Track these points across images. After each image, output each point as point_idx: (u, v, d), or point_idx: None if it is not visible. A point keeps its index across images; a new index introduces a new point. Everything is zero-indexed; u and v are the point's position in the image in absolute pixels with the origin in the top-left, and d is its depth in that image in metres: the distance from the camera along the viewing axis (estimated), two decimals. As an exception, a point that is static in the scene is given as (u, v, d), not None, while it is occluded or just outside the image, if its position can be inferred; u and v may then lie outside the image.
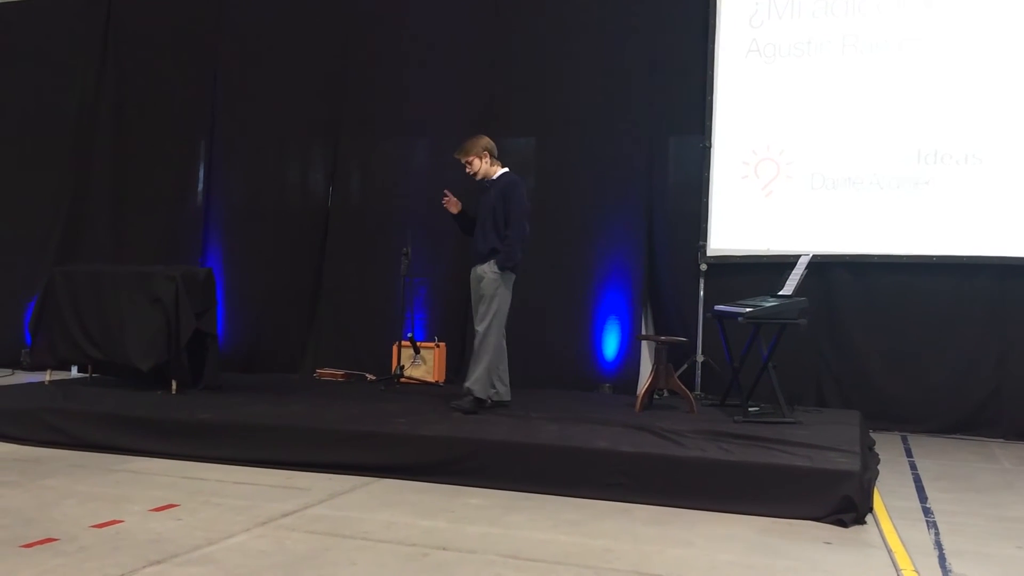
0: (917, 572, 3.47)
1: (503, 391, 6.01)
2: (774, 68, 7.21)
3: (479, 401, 5.79)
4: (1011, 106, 6.67)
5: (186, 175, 8.76)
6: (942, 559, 3.65)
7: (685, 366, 7.15)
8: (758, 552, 3.69)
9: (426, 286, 7.88)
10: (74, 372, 7.50)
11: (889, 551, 3.73)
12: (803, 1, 7.15)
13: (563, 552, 3.58)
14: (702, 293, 7.27)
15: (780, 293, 6.05)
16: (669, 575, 3.35)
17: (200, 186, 8.72)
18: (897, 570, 3.49)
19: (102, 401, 5.86)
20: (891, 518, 4.26)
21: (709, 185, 7.30)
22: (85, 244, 8.84)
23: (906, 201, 6.84)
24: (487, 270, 5.84)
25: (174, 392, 6.33)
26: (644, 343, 7.38)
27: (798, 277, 6.04)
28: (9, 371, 8.28)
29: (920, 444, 6.38)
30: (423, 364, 7.50)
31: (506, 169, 6.03)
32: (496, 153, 6.04)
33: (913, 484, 5.07)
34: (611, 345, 7.47)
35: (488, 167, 5.98)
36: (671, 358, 6.28)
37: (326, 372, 7.85)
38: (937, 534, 4.03)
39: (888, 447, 6.09)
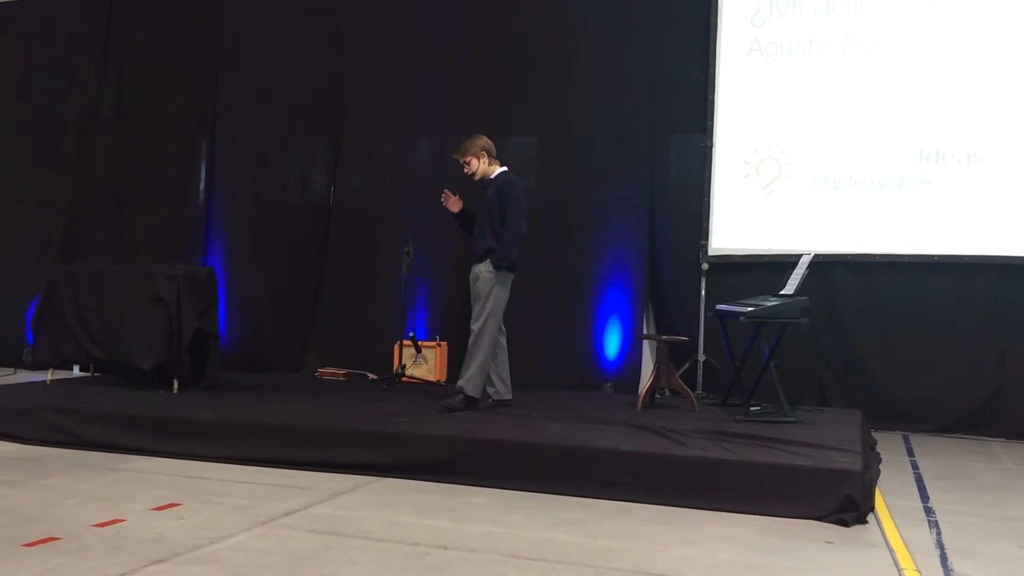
0: (919, 571, 3.46)
1: (503, 390, 6.00)
2: (776, 67, 7.20)
3: (470, 400, 5.79)
4: (1013, 105, 6.66)
5: (187, 174, 8.76)
6: (944, 558, 3.65)
7: (687, 365, 7.15)
8: (760, 551, 3.69)
9: (427, 285, 7.88)
10: (76, 371, 7.51)
11: (891, 550, 3.73)
12: (805, 0, 7.15)
13: (564, 551, 3.58)
14: (704, 292, 7.27)
15: (782, 292, 6.05)
16: (671, 574, 3.35)
17: (201, 185, 8.73)
18: (899, 569, 3.49)
19: (104, 400, 5.87)
20: (893, 517, 4.26)
21: (710, 184, 7.30)
22: (87, 243, 8.84)
23: (908, 200, 6.84)
24: (483, 269, 5.85)
25: (176, 391, 6.33)
26: (646, 342, 7.38)
27: (800, 276, 6.04)
28: (11, 370, 8.29)
29: (921, 443, 6.38)
30: (424, 363, 7.51)
31: (504, 168, 6.03)
32: (494, 153, 6.03)
33: (915, 483, 5.06)
34: (613, 344, 7.47)
35: (486, 167, 5.98)
36: (673, 357, 6.27)
37: (327, 371, 7.86)
38: (939, 533, 4.03)
39: (889, 446, 6.09)
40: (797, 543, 3.83)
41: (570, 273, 7.58)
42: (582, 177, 7.63)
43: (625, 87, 7.55)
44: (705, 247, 7.29)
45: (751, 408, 5.87)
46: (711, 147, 7.31)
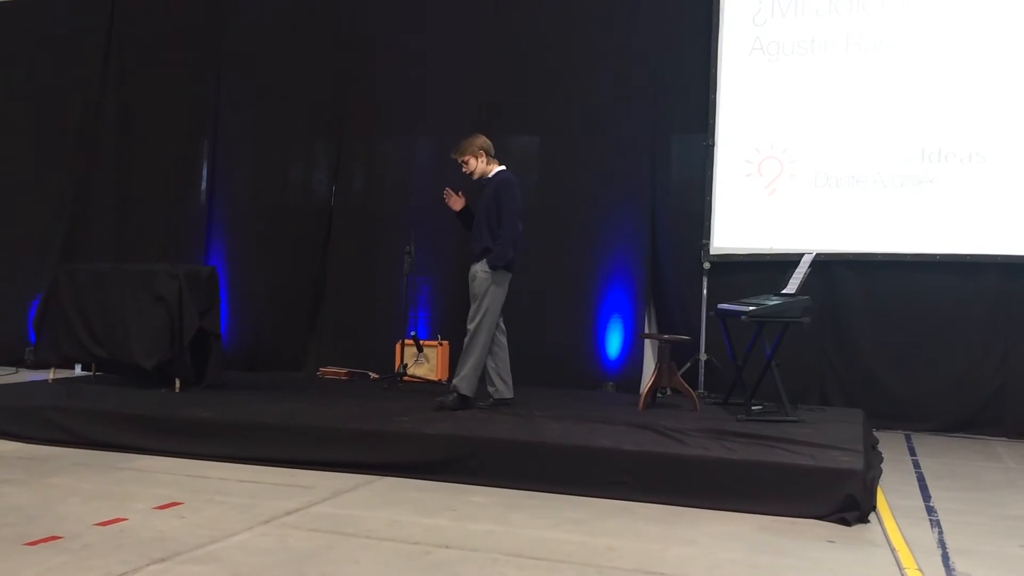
0: (920, 571, 3.46)
1: (504, 389, 6.00)
2: (777, 66, 7.20)
3: (464, 399, 5.80)
4: (1015, 105, 6.66)
5: (189, 174, 8.77)
6: (945, 558, 3.65)
7: (688, 364, 7.15)
8: (761, 550, 3.69)
9: (429, 284, 7.88)
10: (78, 370, 7.52)
11: (892, 550, 3.73)
12: (807, -1, 7.16)
13: (566, 550, 3.59)
14: (705, 291, 7.27)
15: (783, 291, 6.05)
16: (672, 574, 3.35)
17: (203, 185, 8.74)
18: (900, 569, 3.49)
19: (106, 399, 5.87)
20: (894, 517, 4.26)
21: (712, 183, 7.29)
22: (89, 243, 8.85)
23: (909, 199, 6.84)
24: (479, 269, 5.85)
25: (177, 390, 6.34)
26: (647, 341, 7.38)
27: (801, 275, 6.04)
28: (13, 369, 8.29)
29: (923, 443, 6.37)
30: (426, 362, 7.51)
31: (502, 168, 6.02)
32: (492, 152, 6.03)
33: (916, 483, 5.06)
34: (614, 343, 7.47)
35: (484, 166, 5.98)
36: (674, 356, 6.27)
37: (329, 370, 7.86)
38: (940, 533, 4.03)
39: (891, 446, 6.09)
40: (799, 542, 3.83)
41: (571, 272, 7.58)
42: (583, 176, 7.63)
43: (626, 86, 7.55)
44: (707, 246, 7.29)
45: (753, 407, 5.87)
46: (713, 146, 7.30)
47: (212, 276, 6.73)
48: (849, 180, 6.98)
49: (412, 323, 7.57)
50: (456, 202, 6.08)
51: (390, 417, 5.40)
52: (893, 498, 4.62)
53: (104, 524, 3.76)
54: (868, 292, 6.99)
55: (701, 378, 7.21)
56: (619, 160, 7.54)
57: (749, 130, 7.24)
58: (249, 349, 8.27)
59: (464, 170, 6.01)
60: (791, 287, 6.03)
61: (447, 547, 3.59)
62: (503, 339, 6.03)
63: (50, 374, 6.91)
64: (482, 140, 5.99)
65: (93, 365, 7.01)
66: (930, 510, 4.44)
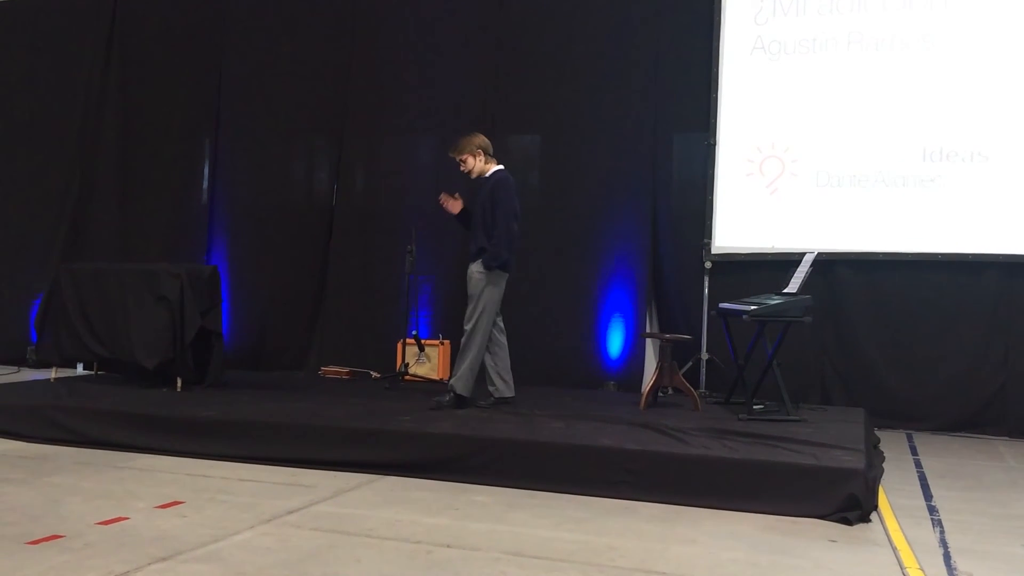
0: (922, 570, 3.46)
1: (504, 388, 6.00)
2: (779, 65, 7.20)
3: (460, 399, 5.80)
4: (1017, 104, 6.65)
5: (191, 173, 8.78)
6: (947, 557, 3.65)
7: (690, 364, 7.15)
8: (762, 550, 3.69)
9: (430, 284, 7.89)
10: (79, 369, 7.53)
11: (894, 549, 3.73)
12: (808, -2, 7.16)
13: (568, 550, 3.59)
14: (707, 291, 7.27)
15: (785, 291, 6.05)
16: (673, 573, 3.35)
17: (205, 184, 8.75)
18: (902, 568, 3.49)
19: (107, 398, 5.88)
20: (896, 516, 4.25)
21: (714, 182, 7.29)
22: (90, 242, 8.86)
23: (911, 199, 6.83)
24: (474, 270, 5.85)
25: (179, 390, 6.35)
26: (649, 341, 7.38)
27: (803, 275, 6.04)
28: (15, 368, 8.31)
29: (925, 442, 6.37)
30: (427, 362, 7.51)
31: (500, 167, 6.01)
32: (491, 151, 6.02)
33: (918, 482, 5.06)
34: (616, 343, 7.47)
35: (482, 164, 5.97)
36: (676, 356, 6.28)
37: (331, 370, 7.86)
38: (942, 532, 4.03)
39: (893, 445, 6.08)
40: (800, 542, 3.83)
41: (573, 271, 7.58)
42: (584, 175, 7.63)
43: (628, 85, 7.55)
44: (708, 245, 7.29)
45: (754, 407, 5.87)
46: (714, 145, 7.30)
47: (214, 275, 6.73)
48: (850, 179, 6.97)
49: (413, 322, 7.57)
50: (454, 205, 6.06)
51: (392, 416, 5.41)
52: (895, 497, 4.62)
53: (106, 523, 3.76)
54: (870, 292, 6.99)
55: (702, 377, 7.21)
56: (620, 159, 7.54)
57: (750, 129, 7.23)
58: (251, 348, 8.28)
59: (462, 169, 6.01)
60: (792, 286, 6.03)
61: (449, 546, 3.59)
62: (502, 338, 6.02)
63: (52, 373, 6.91)
64: (480, 139, 5.99)
65: (95, 364, 7.02)
66: (932, 509, 4.44)
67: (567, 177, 7.72)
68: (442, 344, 7.56)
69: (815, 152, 7.06)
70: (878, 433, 6.29)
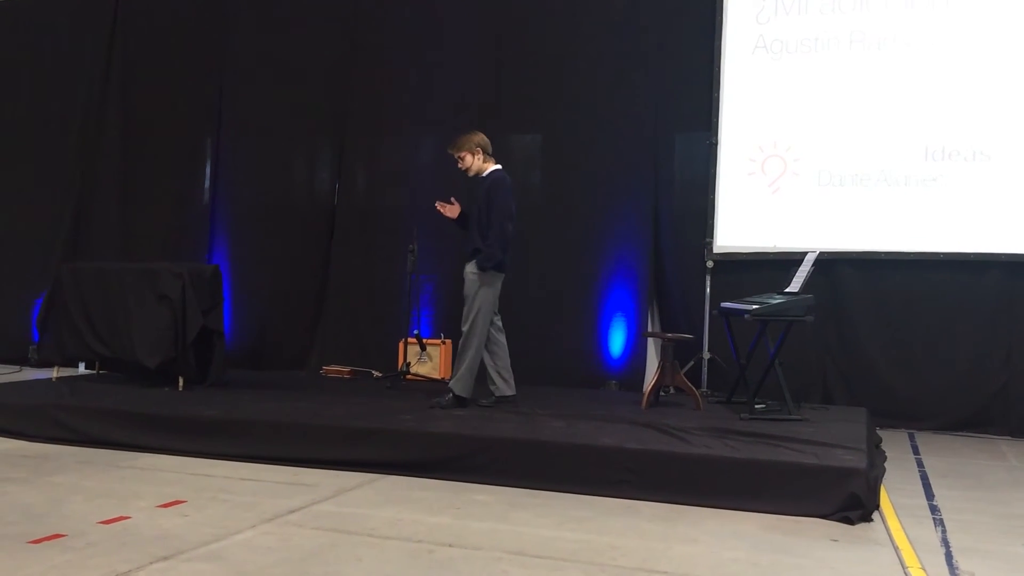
0: (924, 570, 3.46)
1: (504, 387, 5.99)
2: (781, 64, 7.19)
3: (460, 400, 5.80)
4: (1019, 103, 6.64)
5: (193, 173, 8.78)
6: (949, 556, 3.64)
7: (691, 363, 7.15)
8: (764, 549, 3.69)
9: (432, 283, 7.89)
10: (81, 369, 7.54)
11: (896, 548, 3.73)
12: (810, -3, 7.15)
13: (569, 549, 3.59)
14: (708, 290, 7.27)
15: (787, 290, 6.04)
16: (675, 572, 3.35)
17: (206, 183, 8.75)
18: (904, 567, 3.49)
19: (109, 398, 5.88)
20: (898, 515, 4.25)
21: (715, 182, 7.29)
22: (92, 241, 8.87)
23: (914, 198, 6.83)
24: (469, 271, 5.85)
25: (181, 389, 6.35)
26: (650, 340, 7.37)
27: (805, 274, 6.03)
28: (17, 368, 8.31)
29: (927, 441, 6.37)
30: (429, 361, 7.51)
31: (497, 167, 5.99)
32: (489, 150, 6.00)
33: (920, 481, 5.06)
34: (617, 342, 7.47)
35: (480, 163, 5.95)
36: (677, 355, 6.27)
37: (332, 369, 7.87)
38: (944, 531, 4.02)
39: (895, 444, 6.08)
40: (802, 541, 3.82)
41: (574, 271, 7.58)
42: (586, 175, 7.63)
43: (630, 84, 7.55)
44: (710, 245, 7.29)
45: (756, 406, 5.86)
46: (716, 144, 7.30)
47: (215, 275, 6.74)
48: (852, 178, 6.97)
49: (415, 321, 7.58)
50: (451, 211, 6.04)
51: (393, 416, 5.41)
52: (896, 497, 4.62)
53: (108, 522, 3.76)
54: (871, 291, 6.98)
55: (704, 377, 7.21)
56: (622, 158, 7.54)
57: (752, 128, 7.23)
58: (252, 347, 8.29)
59: (460, 166, 6.00)
60: (794, 286, 6.02)
61: (450, 545, 3.59)
62: (501, 337, 6.02)
63: (54, 372, 6.92)
64: (480, 137, 5.98)
65: (96, 363, 7.03)
66: (933, 509, 4.43)
67: (568, 176, 7.71)
68: (444, 343, 7.56)
69: (817, 151, 7.06)
70: (880, 432, 6.29)
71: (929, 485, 4.96)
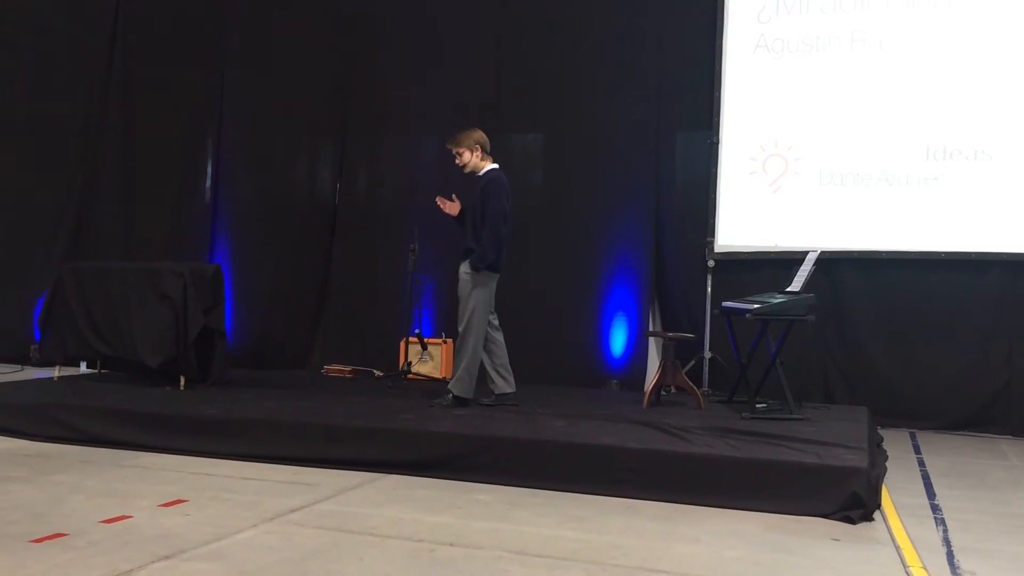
0: (925, 569, 3.46)
1: (503, 384, 5.99)
2: (782, 64, 7.19)
3: (459, 400, 5.80)
4: (1021, 102, 6.64)
5: (194, 172, 8.78)
6: (950, 556, 3.64)
7: (693, 362, 7.14)
8: (765, 548, 3.69)
9: (433, 282, 7.88)
10: (83, 368, 7.53)
11: (897, 548, 3.73)
12: (811, -4, 7.15)
13: (570, 548, 3.59)
14: (710, 289, 7.26)
15: (788, 289, 6.04)
16: (676, 571, 3.35)
17: (208, 183, 8.75)
18: (905, 567, 3.49)
19: (110, 397, 5.89)
20: (899, 515, 4.25)
21: (717, 181, 7.29)
22: (94, 241, 8.87)
23: (915, 197, 6.82)
24: (462, 271, 5.85)
25: (182, 388, 6.35)
26: (651, 339, 7.37)
27: (806, 273, 6.03)
28: (18, 367, 8.31)
29: (928, 440, 6.37)
30: (430, 360, 7.51)
31: (495, 166, 5.98)
32: (488, 148, 5.99)
33: (921, 481, 5.06)
34: (618, 341, 7.47)
35: (478, 161, 5.95)
36: (679, 354, 6.27)
37: (334, 368, 7.87)
38: (945, 531, 4.02)
39: (896, 443, 6.08)
40: (803, 540, 3.82)
41: (576, 270, 7.57)
42: (588, 174, 7.62)
43: (631, 84, 7.54)
44: (711, 244, 7.28)
45: (757, 405, 5.86)
46: (717, 144, 7.30)
47: (217, 274, 6.74)
48: (854, 178, 6.96)
49: (416, 321, 7.58)
50: (451, 207, 6.03)
51: (394, 415, 5.41)
52: (898, 496, 4.62)
53: (109, 521, 3.76)
54: (873, 290, 6.98)
55: (705, 376, 7.21)
56: (623, 158, 7.53)
57: (753, 128, 7.23)
58: (253, 347, 8.28)
59: (457, 161, 5.99)
60: (795, 285, 6.02)
61: (451, 545, 3.59)
62: (498, 336, 6.01)
63: (55, 372, 6.92)
64: (479, 135, 5.97)
65: (98, 363, 7.03)
66: (935, 508, 4.44)
67: (570, 176, 7.71)
68: (445, 343, 7.56)
69: (818, 150, 7.05)
70: (881, 432, 6.29)
71: (930, 484, 4.96)
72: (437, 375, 7.42)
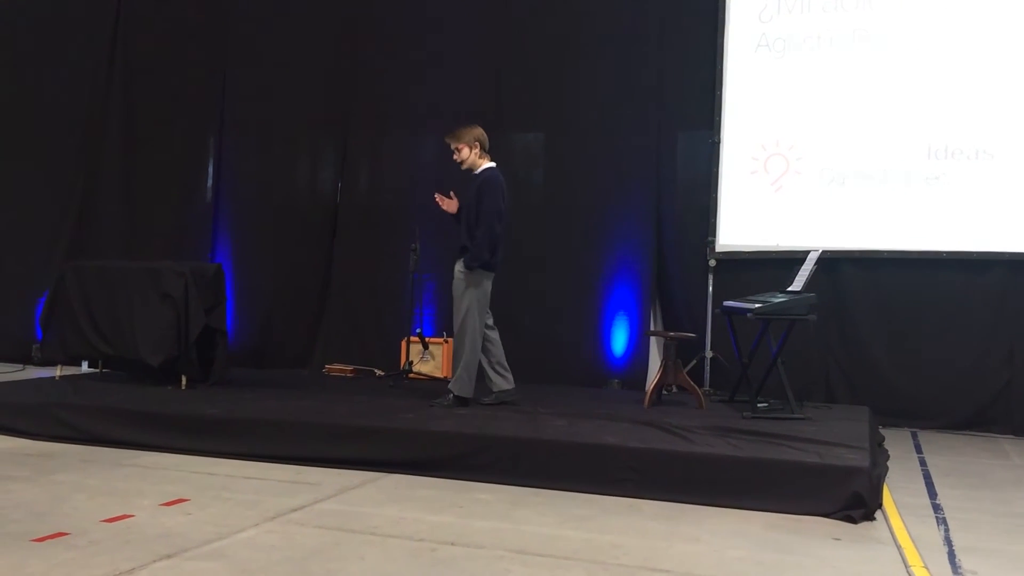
0: (927, 568, 3.46)
1: (501, 381, 5.99)
2: (784, 63, 7.18)
3: (460, 400, 5.81)
4: (1022, 101, 6.62)
5: (195, 171, 8.78)
6: (951, 555, 3.64)
7: (694, 362, 7.14)
8: (766, 548, 3.69)
9: (434, 282, 7.88)
10: (84, 367, 7.54)
11: (898, 547, 3.73)
12: (813, -4, 7.14)
13: (572, 548, 3.59)
14: (711, 289, 7.26)
15: (789, 289, 6.04)
16: (677, 571, 3.35)
17: (209, 182, 8.76)
18: (906, 566, 3.49)
19: (112, 396, 5.89)
20: (900, 514, 4.25)
21: (718, 180, 7.29)
22: (95, 240, 8.87)
23: (916, 196, 6.82)
24: (457, 269, 5.85)
25: (183, 387, 6.36)
26: (653, 339, 7.37)
27: (807, 273, 6.03)
28: (20, 366, 8.32)
29: (930, 440, 6.36)
30: (431, 360, 7.51)
31: (492, 164, 5.98)
32: (487, 147, 5.99)
33: (923, 480, 5.05)
34: (620, 341, 7.47)
35: (476, 158, 5.94)
36: (680, 354, 6.27)
37: (335, 368, 7.87)
38: (947, 530, 4.02)
39: (898, 443, 6.08)
40: (804, 540, 3.82)
41: (577, 269, 7.57)
42: (589, 173, 7.62)
43: (632, 83, 7.54)
44: (712, 243, 7.28)
45: (758, 404, 5.86)
46: (718, 143, 7.30)
47: (218, 273, 6.74)
48: (855, 177, 6.96)
49: (418, 320, 7.58)
50: (449, 204, 6.02)
51: (396, 414, 5.41)
52: (899, 496, 4.61)
53: (111, 520, 3.77)
54: (874, 289, 6.98)
55: (707, 375, 7.21)
56: (625, 157, 7.53)
57: (755, 127, 7.23)
58: (255, 346, 8.29)
59: (455, 157, 5.98)
60: (797, 284, 6.02)
61: (453, 544, 3.59)
62: (493, 335, 6.00)
63: (57, 371, 6.93)
64: (479, 132, 5.97)
65: (100, 362, 7.04)
66: (936, 508, 4.43)
67: (571, 175, 7.71)
68: (446, 342, 7.55)
69: (820, 150, 7.05)
70: (883, 431, 6.29)
71: (932, 484, 4.96)
72: (438, 374, 7.42)
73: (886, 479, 4.84)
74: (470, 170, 5.97)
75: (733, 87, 7.29)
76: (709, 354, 7.22)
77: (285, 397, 6.11)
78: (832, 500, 4.19)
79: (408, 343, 7.44)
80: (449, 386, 5.87)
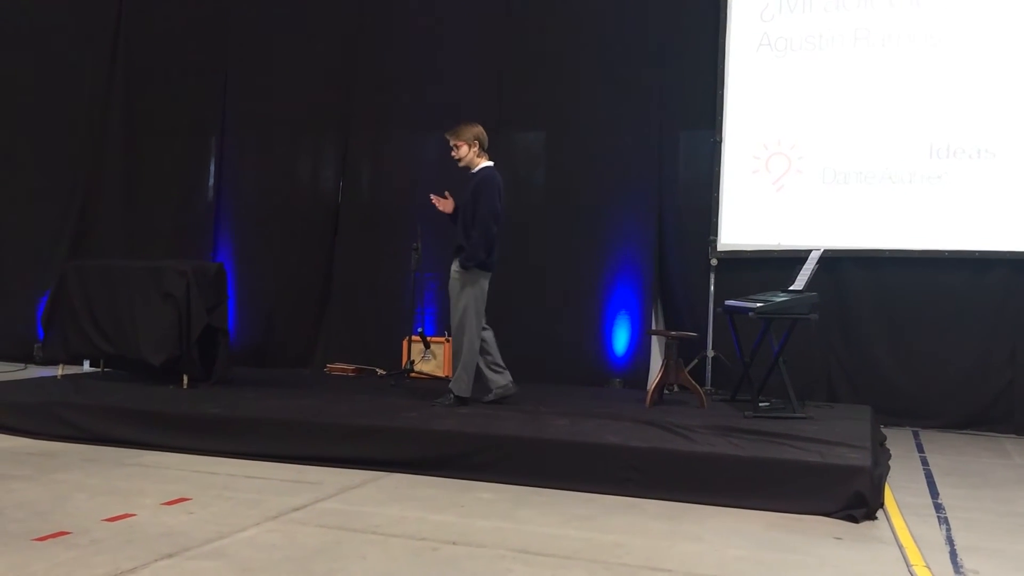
0: (928, 568, 3.46)
1: (498, 379, 5.99)
2: (785, 62, 7.18)
3: (460, 400, 5.81)
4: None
5: (197, 171, 8.79)
6: (953, 555, 3.64)
7: (695, 361, 7.14)
8: (768, 547, 3.69)
9: (436, 281, 7.87)
10: (86, 366, 7.54)
11: (900, 547, 3.72)
12: (814, -5, 7.14)
13: (573, 547, 3.59)
14: (712, 288, 7.26)
15: (791, 288, 6.04)
16: (679, 570, 3.35)
17: (211, 181, 8.76)
18: (908, 566, 3.49)
19: (114, 395, 5.89)
20: (902, 514, 4.25)
21: (720, 180, 7.28)
22: (97, 239, 8.87)
23: (918, 196, 6.81)
24: (453, 269, 5.85)
25: (185, 387, 6.36)
26: (654, 338, 7.37)
27: (809, 272, 6.03)
28: (22, 365, 8.32)
29: (931, 439, 6.36)
30: (433, 359, 7.51)
31: (490, 164, 5.97)
32: (486, 145, 5.98)
33: (924, 480, 5.05)
34: (621, 340, 7.47)
35: (474, 156, 5.93)
36: (681, 353, 6.27)
37: (337, 367, 7.87)
38: (948, 530, 4.02)
39: (899, 442, 6.08)
40: (806, 539, 3.82)
41: (579, 269, 7.57)
42: (591, 172, 7.62)
43: (634, 82, 7.53)
44: (714, 242, 7.28)
45: (760, 404, 5.86)
46: (720, 142, 7.29)
47: (220, 272, 6.75)
48: (857, 176, 6.95)
49: (419, 319, 7.58)
50: (445, 204, 6.02)
51: (397, 413, 5.42)
52: (901, 495, 4.61)
53: (112, 520, 3.77)
54: (876, 288, 6.97)
55: (708, 375, 7.20)
56: (626, 156, 7.53)
57: (757, 126, 7.22)
58: (257, 345, 8.29)
59: (453, 154, 5.98)
60: (799, 283, 6.02)
61: (454, 543, 3.59)
62: (488, 334, 5.99)
63: (59, 370, 6.93)
64: (479, 130, 5.97)
65: (101, 361, 7.04)
66: (938, 507, 4.43)
67: (572, 174, 7.70)
68: (447, 341, 7.54)
69: (821, 149, 7.05)
70: (884, 431, 6.29)
71: (934, 483, 4.96)
72: (440, 374, 7.42)
73: (888, 478, 4.84)
74: (468, 168, 5.96)
75: (735, 86, 7.28)
76: (711, 353, 7.21)
77: (287, 396, 6.11)
78: (834, 499, 4.19)
79: (409, 342, 7.44)
80: (449, 385, 5.88)
